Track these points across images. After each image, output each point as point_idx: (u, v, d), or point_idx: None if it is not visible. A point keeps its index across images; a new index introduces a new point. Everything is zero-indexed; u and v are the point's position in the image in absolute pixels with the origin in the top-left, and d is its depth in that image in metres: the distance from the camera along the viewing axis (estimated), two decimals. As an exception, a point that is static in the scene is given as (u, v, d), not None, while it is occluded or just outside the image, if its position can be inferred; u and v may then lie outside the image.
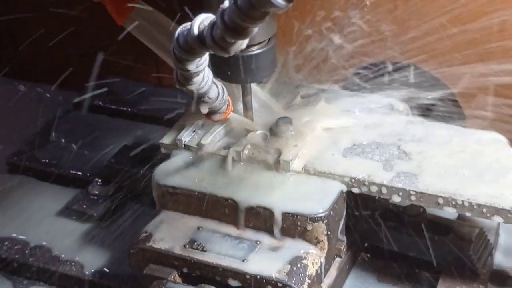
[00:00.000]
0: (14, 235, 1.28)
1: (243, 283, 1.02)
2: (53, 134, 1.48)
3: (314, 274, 1.03)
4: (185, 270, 1.06)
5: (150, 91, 1.56)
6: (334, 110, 1.18)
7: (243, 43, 0.81)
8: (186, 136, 1.15)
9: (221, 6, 0.78)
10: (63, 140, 1.48)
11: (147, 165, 1.21)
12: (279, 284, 1.00)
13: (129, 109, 1.57)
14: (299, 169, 1.09)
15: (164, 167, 1.13)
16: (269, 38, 1.07)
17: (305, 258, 1.03)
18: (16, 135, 1.48)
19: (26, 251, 1.25)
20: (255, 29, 0.78)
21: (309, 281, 1.01)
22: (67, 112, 1.58)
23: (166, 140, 1.17)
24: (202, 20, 0.83)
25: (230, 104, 1.04)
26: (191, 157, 1.14)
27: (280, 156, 1.09)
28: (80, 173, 1.40)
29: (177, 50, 0.86)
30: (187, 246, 1.06)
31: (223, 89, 1.01)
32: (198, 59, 0.89)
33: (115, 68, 1.55)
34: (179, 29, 0.85)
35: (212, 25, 0.80)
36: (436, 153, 1.09)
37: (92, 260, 1.23)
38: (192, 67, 0.89)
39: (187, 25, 0.84)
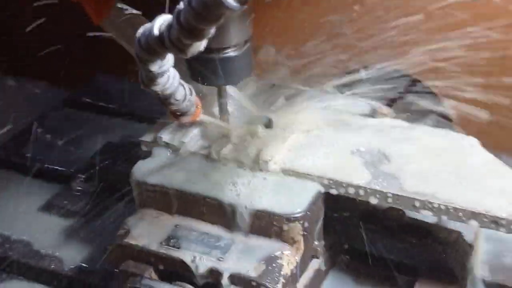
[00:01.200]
0: (-6, 229, 1.29)
1: (217, 282, 1.03)
2: (38, 130, 1.48)
3: (289, 274, 1.02)
4: (161, 267, 1.06)
5: (137, 89, 1.56)
6: (316, 111, 1.18)
7: (200, 45, 0.81)
8: (166, 134, 1.15)
9: (177, 6, 0.78)
10: (48, 136, 1.48)
11: (129, 162, 1.21)
12: (253, 283, 1.00)
13: (117, 107, 1.56)
14: (277, 169, 1.09)
15: (142, 164, 1.13)
16: (245, 41, 1.08)
17: (280, 258, 1.03)
18: (2, 130, 1.48)
19: (7, 245, 1.26)
20: (211, 31, 0.78)
21: (284, 281, 1.01)
22: (56, 108, 1.59)
23: (147, 137, 1.17)
24: (164, 21, 0.82)
25: (199, 106, 1.04)
26: (171, 156, 1.14)
27: (259, 156, 1.09)
28: (64, 169, 1.41)
29: (138, 50, 0.86)
30: (164, 243, 1.06)
31: (190, 91, 1.00)
32: (160, 60, 0.89)
33: (105, 67, 1.56)
34: (140, 30, 0.84)
35: (170, 26, 0.80)
36: (417, 157, 1.09)
37: (71, 256, 1.23)
38: (154, 67, 0.89)
39: (148, 25, 0.84)
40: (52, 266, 1.21)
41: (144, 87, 0.94)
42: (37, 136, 1.48)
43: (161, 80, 0.93)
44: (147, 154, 1.17)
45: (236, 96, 1.15)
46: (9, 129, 1.46)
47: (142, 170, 1.13)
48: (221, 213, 1.07)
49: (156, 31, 0.82)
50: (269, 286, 1.00)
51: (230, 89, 1.14)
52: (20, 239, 1.26)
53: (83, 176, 1.35)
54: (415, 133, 1.14)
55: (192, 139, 1.14)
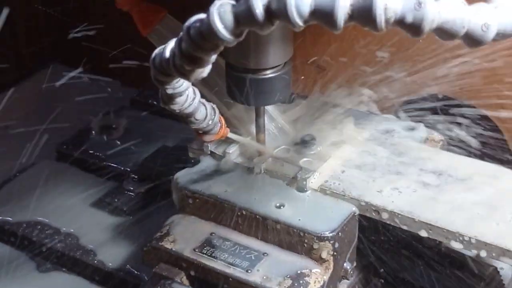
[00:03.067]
0: (47, 220, 1.33)
1: (245, 293, 1.05)
2: (99, 128, 1.53)
3: (314, 292, 1.04)
4: (192, 273, 1.09)
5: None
6: (362, 134, 1.19)
7: (203, 72, 0.81)
8: (213, 143, 1.17)
9: (180, 33, 0.78)
10: (108, 135, 1.52)
11: (181, 167, 1.24)
12: (277, 299, 1.02)
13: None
14: (315, 187, 1.10)
15: (187, 171, 1.16)
16: (285, 63, 1.08)
17: (307, 275, 1.04)
18: (69, 125, 1.53)
19: (56, 237, 1.30)
20: (212, 58, 0.78)
21: (308, 299, 1.03)
22: (122, 108, 1.63)
23: (195, 145, 1.20)
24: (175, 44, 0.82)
25: (223, 126, 1.04)
26: (216, 164, 1.17)
27: (298, 173, 1.11)
28: (119, 167, 1.45)
29: (152, 70, 0.85)
30: (197, 250, 1.09)
31: (214, 110, 1.01)
32: (175, 80, 0.89)
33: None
34: (156, 50, 0.84)
35: (174, 51, 0.80)
36: (454, 187, 1.09)
37: (115, 253, 1.27)
38: (169, 88, 0.89)
39: (162, 47, 0.83)
40: (95, 262, 1.25)
41: (164, 105, 0.94)
42: (98, 134, 1.53)
43: (179, 100, 0.93)
44: (198, 161, 1.20)
45: (275, 116, 1.17)
46: (74, 126, 1.52)
47: (186, 176, 1.15)
48: (255, 225, 1.09)
49: (167, 54, 0.82)
50: (292, 303, 1.01)
51: (269, 108, 1.15)
52: (68, 232, 1.31)
53: (136, 177, 1.38)
54: (458, 163, 1.14)
55: (236, 151, 1.16)
